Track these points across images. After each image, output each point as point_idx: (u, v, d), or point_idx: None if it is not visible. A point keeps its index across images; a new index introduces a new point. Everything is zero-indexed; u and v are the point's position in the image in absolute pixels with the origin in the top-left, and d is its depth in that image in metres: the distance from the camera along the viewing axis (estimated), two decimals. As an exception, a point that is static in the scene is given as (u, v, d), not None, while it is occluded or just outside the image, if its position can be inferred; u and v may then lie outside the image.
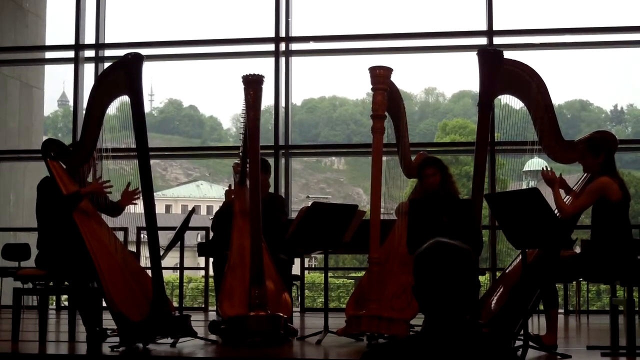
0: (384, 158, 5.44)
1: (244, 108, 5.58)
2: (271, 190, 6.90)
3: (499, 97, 5.40)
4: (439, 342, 1.92)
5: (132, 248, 6.72)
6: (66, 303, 7.26)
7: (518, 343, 4.73)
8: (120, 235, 6.68)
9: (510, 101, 5.36)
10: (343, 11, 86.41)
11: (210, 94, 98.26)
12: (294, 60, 9.69)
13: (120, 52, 9.32)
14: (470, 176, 5.24)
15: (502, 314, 4.77)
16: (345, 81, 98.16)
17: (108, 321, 5.22)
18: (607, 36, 9.84)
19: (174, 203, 53.57)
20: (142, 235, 7.69)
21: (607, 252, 4.72)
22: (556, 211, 4.79)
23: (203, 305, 9.00)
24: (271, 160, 8.83)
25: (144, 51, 5.27)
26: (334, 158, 65.38)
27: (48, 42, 11.13)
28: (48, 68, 11.54)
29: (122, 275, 5.20)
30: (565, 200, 5.00)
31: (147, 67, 5.18)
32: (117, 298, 5.01)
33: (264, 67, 9.01)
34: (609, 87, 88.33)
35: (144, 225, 5.18)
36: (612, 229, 4.75)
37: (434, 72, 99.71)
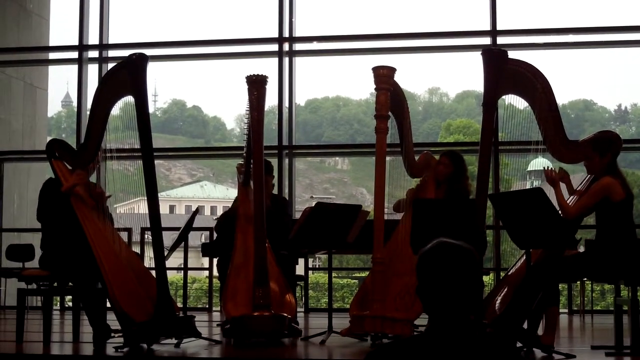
0: (388, 158, 5.44)
1: (247, 108, 5.58)
2: (275, 190, 6.89)
3: (503, 97, 5.38)
4: (443, 342, 1.92)
5: (136, 249, 6.72)
6: (70, 304, 7.27)
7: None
8: (124, 235, 6.69)
9: (514, 101, 5.34)
10: (346, 11, 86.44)
11: (214, 94, 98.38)
12: (298, 60, 9.69)
13: (124, 53, 9.34)
14: (475, 176, 5.23)
15: (506, 314, 4.76)
16: (348, 81, 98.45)
17: (112, 322, 5.22)
18: (611, 36, 9.83)
19: (177, 203, 53.61)
20: (146, 236, 7.71)
21: (611, 252, 4.71)
22: (560, 211, 4.77)
23: (207, 306, 9.02)
24: (275, 161, 8.85)
25: (147, 51, 5.26)
26: (337, 158, 65.42)
27: (52, 43, 11.18)
28: (52, 69, 11.59)
29: (126, 275, 5.19)
30: (569, 200, 4.99)
31: (151, 68, 5.17)
32: (121, 298, 5.00)
33: (268, 67, 9.05)
34: (612, 87, 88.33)
35: (148, 225, 5.17)
36: (615, 229, 4.74)
37: (438, 72, 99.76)
